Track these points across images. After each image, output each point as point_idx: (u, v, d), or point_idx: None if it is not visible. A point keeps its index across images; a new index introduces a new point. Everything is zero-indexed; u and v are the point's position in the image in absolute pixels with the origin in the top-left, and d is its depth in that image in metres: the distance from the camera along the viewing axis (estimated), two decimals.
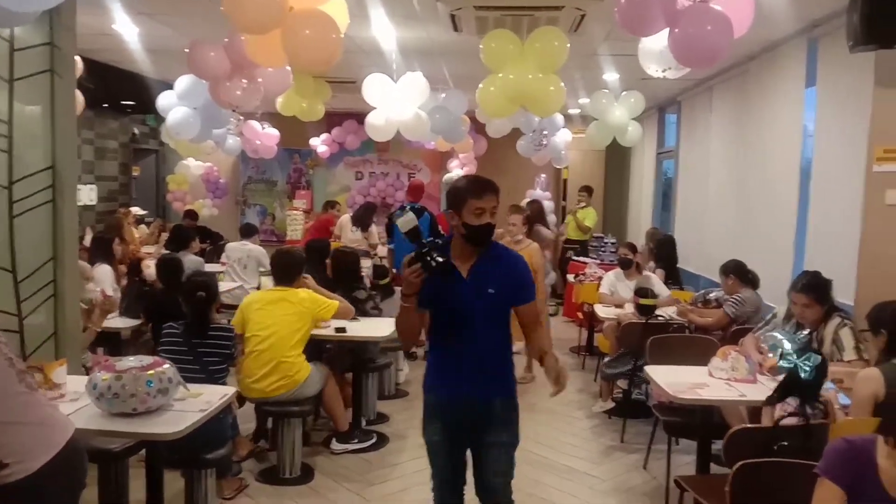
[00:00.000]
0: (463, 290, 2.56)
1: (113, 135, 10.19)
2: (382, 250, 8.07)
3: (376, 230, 8.36)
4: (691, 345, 4.19)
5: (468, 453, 2.73)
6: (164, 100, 6.13)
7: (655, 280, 5.61)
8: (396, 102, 6.03)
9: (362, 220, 8.19)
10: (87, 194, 8.96)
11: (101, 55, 6.94)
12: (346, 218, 8.38)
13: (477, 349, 2.62)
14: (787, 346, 3.58)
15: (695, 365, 3.67)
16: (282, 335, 3.93)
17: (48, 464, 2.01)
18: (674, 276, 5.93)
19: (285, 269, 4.17)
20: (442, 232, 7.35)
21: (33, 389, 2.16)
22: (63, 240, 3.70)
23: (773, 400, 2.88)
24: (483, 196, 2.51)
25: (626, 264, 5.68)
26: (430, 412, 2.74)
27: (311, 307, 4.06)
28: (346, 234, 8.15)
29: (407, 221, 2.47)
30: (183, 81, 5.83)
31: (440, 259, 2.40)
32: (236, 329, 3.91)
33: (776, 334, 3.69)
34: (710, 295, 5.16)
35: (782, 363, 2.95)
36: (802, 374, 2.78)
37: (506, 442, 2.66)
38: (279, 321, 3.95)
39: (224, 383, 3.53)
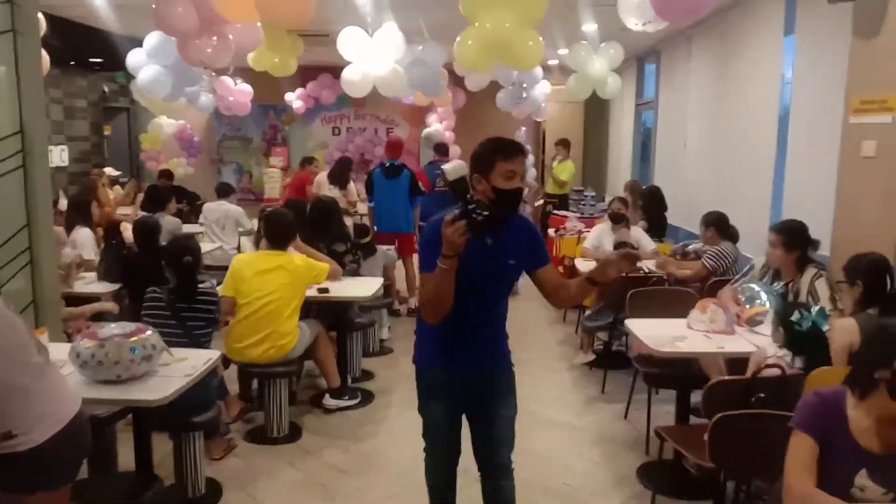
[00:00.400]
0: (486, 259, 2.37)
1: (82, 93, 9.92)
2: (362, 207, 8.01)
3: (354, 187, 8.27)
4: (670, 298, 4.25)
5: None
6: (133, 57, 5.97)
7: (641, 234, 5.63)
8: (372, 57, 5.91)
9: (339, 177, 8.06)
10: (59, 156, 8.78)
11: (65, 11, 6.70)
12: (322, 176, 8.24)
13: (488, 321, 2.51)
14: (764, 297, 3.65)
15: (674, 317, 3.73)
16: (279, 305, 3.90)
17: (53, 437, 2.02)
18: (660, 228, 5.97)
19: (279, 233, 4.09)
20: (423, 189, 7.32)
21: (48, 362, 2.15)
22: (36, 206, 3.63)
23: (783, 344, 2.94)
24: (514, 157, 2.34)
25: (617, 219, 5.60)
26: (431, 390, 2.60)
27: (306, 273, 4.04)
28: (324, 191, 8.05)
29: (455, 170, 2.29)
30: (152, 38, 5.67)
31: (486, 213, 2.16)
32: (226, 293, 3.87)
33: (753, 286, 3.75)
34: (689, 247, 5.22)
35: (795, 315, 2.96)
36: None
37: (511, 414, 2.60)
38: (276, 290, 3.90)
39: (208, 347, 3.53)
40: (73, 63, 9.08)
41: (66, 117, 9.50)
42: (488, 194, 2.33)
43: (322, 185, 8.03)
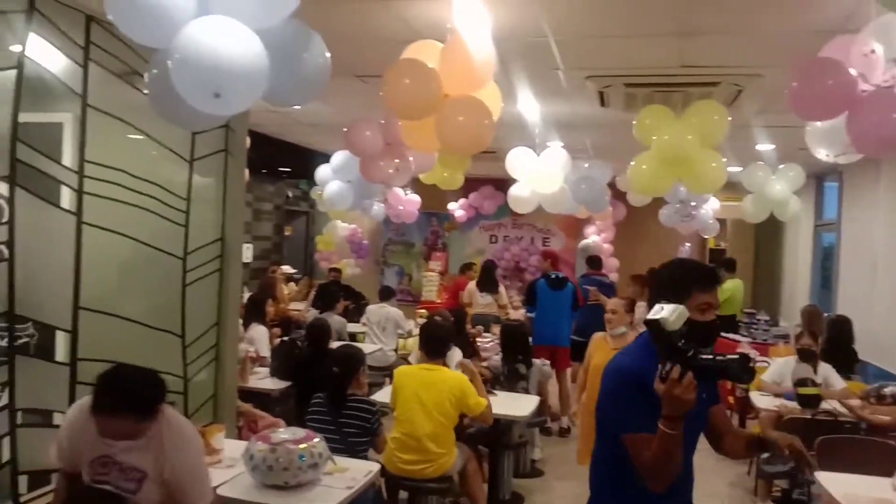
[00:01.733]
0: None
1: (269, 198, 10.95)
2: (515, 314, 7.98)
3: (504, 290, 8.29)
4: (867, 448, 3.76)
5: None
6: (322, 172, 6.54)
7: (830, 371, 5.03)
8: (540, 175, 6.03)
9: (488, 282, 8.12)
10: (244, 253, 9.63)
11: (263, 128, 7.52)
12: (472, 285, 8.30)
13: (684, 472, 2.09)
14: None
15: (872, 473, 3.28)
16: (435, 421, 3.81)
17: None
18: (848, 364, 5.35)
19: (436, 342, 4.07)
20: (579, 303, 7.19)
21: None
22: (227, 306, 3.95)
23: None
24: (711, 289, 2.08)
25: (807, 356, 4.96)
26: None
27: (461, 397, 3.85)
28: (476, 299, 8.11)
29: (680, 316, 1.90)
30: (339, 156, 6.18)
31: (709, 358, 1.84)
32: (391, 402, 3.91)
33: None
34: (886, 389, 4.63)
35: None
36: None
37: None
38: (433, 406, 3.81)
39: (365, 456, 3.55)
40: (264, 171, 10.10)
41: (254, 219, 10.49)
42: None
43: (474, 293, 8.10)
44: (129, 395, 2.31)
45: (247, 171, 5.31)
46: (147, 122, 3.50)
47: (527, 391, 5.05)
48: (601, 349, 4.25)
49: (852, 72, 2.88)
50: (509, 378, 5.07)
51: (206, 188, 3.88)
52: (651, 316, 1.90)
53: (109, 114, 3.30)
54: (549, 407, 6.84)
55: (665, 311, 1.90)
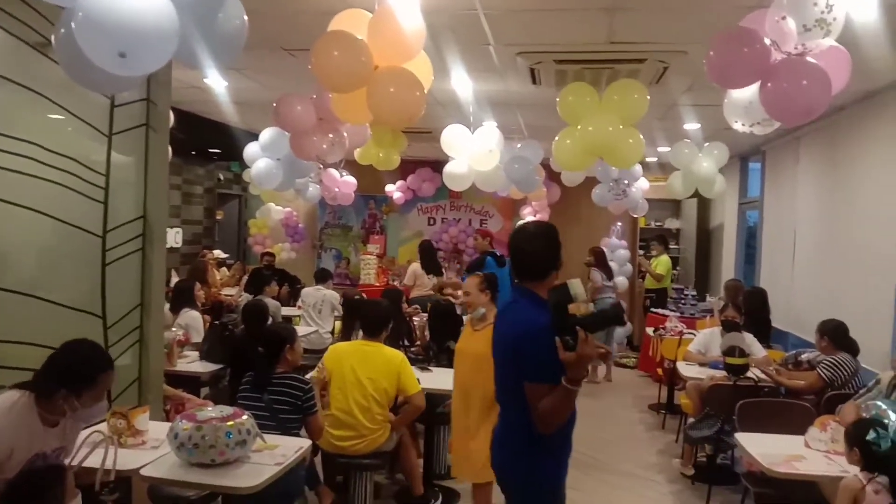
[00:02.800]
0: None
1: (199, 180, 10.64)
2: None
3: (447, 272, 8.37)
4: (784, 410, 3.94)
5: None
6: (250, 150, 6.36)
7: (753, 340, 5.28)
8: (477, 153, 6.04)
9: (430, 263, 8.18)
10: (173, 237, 9.34)
11: (191, 106, 7.28)
12: (416, 266, 8.35)
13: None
14: (893, 416, 3.32)
15: (788, 433, 3.45)
16: (370, 398, 3.84)
17: None
18: (763, 334, 5.60)
19: (375, 322, 4.04)
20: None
21: None
22: (151, 287, 3.83)
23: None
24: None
25: (731, 327, 5.19)
26: (558, 483, 2.44)
27: (398, 373, 3.89)
28: (424, 281, 8.14)
29: (579, 285, 2.19)
30: (267, 133, 6.03)
31: (607, 307, 2.30)
32: (321, 378, 3.85)
33: (880, 403, 3.42)
34: (802, 356, 4.86)
35: (871, 433, 2.74)
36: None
37: None
38: (368, 383, 3.84)
39: (297, 434, 3.51)
40: (193, 152, 9.79)
41: (183, 202, 10.18)
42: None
43: (420, 275, 8.12)
44: None
45: (170, 149, 5.18)
46: (64, 95, 3.36)
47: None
48: (463, 335, 4.03)
49: (766, 41, 2.97)
50: (438, 356, 5.09)
51: (126, 164, 3.75)
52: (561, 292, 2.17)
53: (21, 84, 3.14)
54: None
55: (571, 287, 2.15)
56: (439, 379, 4.46)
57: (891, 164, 4.99)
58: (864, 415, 3.41)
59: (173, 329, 5.02)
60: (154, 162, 3.85)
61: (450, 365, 5.13)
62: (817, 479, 3.20)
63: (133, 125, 3.74)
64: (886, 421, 3.21)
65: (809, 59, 2.98)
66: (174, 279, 6.91)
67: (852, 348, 4.51)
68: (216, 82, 6.04)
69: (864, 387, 3.94)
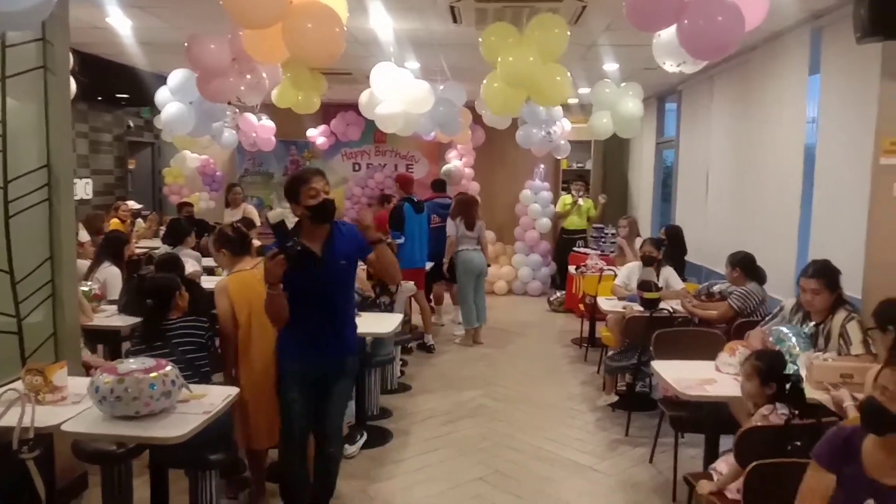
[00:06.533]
0: (321, 267, 3.00)
1: (107, 128, 10.08)
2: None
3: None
4: (697, 339, 4.16)
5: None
6: (162, 94, 6.06)
7: (671, 272, 5.54)
8: (411, 93, 5.96)
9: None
10: (83, 189, 8.89)
11: (94, 48, 6.84)
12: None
13: (334, 316, 3.11)
14: (794, 340, 3.56)
15: (701, 359, 3.65)
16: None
17: None
18: (678, 269, 5.86)
19: (242, 241, 3.84)
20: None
21: None
22: (60, 239, 3.65)
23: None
24: (311, 180, 2.97)
25: (649, 261, 5.44)
26: (290, 377, 3.14)
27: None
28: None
29: (276, 215, 2.85)
30: (177, 76, 5.75)
31: (299, 248, 2.84)
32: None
33: (782, 328, 3.67)
34: (714, 287, 5.12)
35: (790, 367, 2.92)
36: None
37: (348, 393, 3.33)
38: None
39: (207, 372, 3.44)
40: (99, 98, 9.24)
41: (91, 151, 9.65)
42: (306, 214, 2.97)
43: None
44: None
45: (74, 88, 4.87)
46: None
47: (389, 308, 5.13)
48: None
49: None
50: (377, 294, 5.14)
51: (24, 110, 3.51)
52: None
53: None
54: (415, 327, 7.04)
55: (271, 212, 2.90)
56: (370, 323, 4.47)
57: (795, 102, 5.21)
58: (769, 339, 3.64)
59: (88, 283, 4.83)
60: (55, 107, 3.61)
61: (390, 307, 5.22)
62: (727, 401, 3.41)
63: (29, 68, 3.49)
64: (792, 350, 3.44)
65: None
66: (83, 233, 6.59)
67: (761, 277, 4.79)
68: (120, 22, 5.67)
69: (770, 314, 4.20)
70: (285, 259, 2.81)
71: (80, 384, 3.00)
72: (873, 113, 3.93)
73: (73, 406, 2.88)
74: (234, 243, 3.83)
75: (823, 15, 4.74)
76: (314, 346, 3.10)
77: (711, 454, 3.40)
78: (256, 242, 7.00)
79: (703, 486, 2.81)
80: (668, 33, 3.50)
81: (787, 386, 2.81)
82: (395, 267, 3.25)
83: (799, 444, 2.50)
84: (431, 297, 7.75)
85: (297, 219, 3.05)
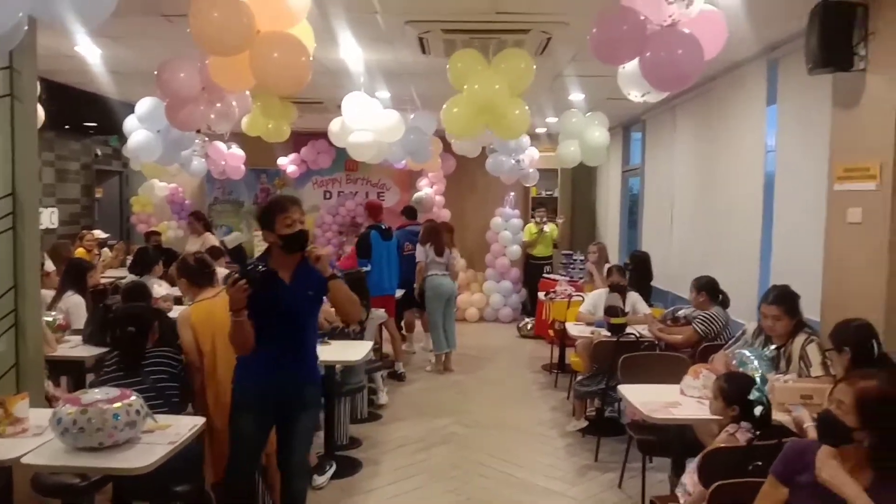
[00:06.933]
0: (287, 295, 2.97)
1: (75, 156, 9.99)
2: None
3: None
4: (662, 362, 4.22)
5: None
6: (130, 123, 6.04)
7: (637, 298, 5.63)
8: (382, 122, 6.03)
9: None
10: (48, 218, 8.74)
11: (62, 76, 6.81)
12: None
13: (296, 344, 3.09)
14: (756, 363, 3.64)
15: (667, 383, 3.70)
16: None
17: None
18: (644, 294, 5.96)
19: (206, 274, 3.84)
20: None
21: None
22: (24, 268, 3.59)
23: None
24: (288, 209, 2.96)
25: (618, 289, 5.56)
26: (243, 403, 3.10)
27: None
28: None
29: (233, 239, 2.86)
30: (144, 104, 5.74)
31: (262, 269, 2.81)
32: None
33: (745, 352, 3.74)
34: (679, 312, 5.21)
35: (754, 393, 2.97)
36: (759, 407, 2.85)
37: (311, 426, 3.22)
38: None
39: (178, 402, 3.39)
40: (67, 127, 9.16)
41: (57, 180, 9.53)
42: (277, 242, 2.96)
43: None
44: None
45: (41, 118, 4.84)
46: None
47: (359, 336, 5.12)
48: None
49: (640, 16, 3.13)
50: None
51: None
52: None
53: None
54: (386, 355, 7.01)
55: (228, 237, 3.07)
56: (339, 351, 4.48)
57: (754, 131, 5.38)
58: (733, 362, 3.72)
59: (52, 314, 4.75)
60: (21, 135, 3.58)
61: (360, 335, 5.20)
62: (691, 423, 3.47)
63: None
64: (754, 374, 3.51)
65: (683, 28, 3.17)
66: (47, 262, 6.49)
67: (724, 302, 4.89)
68: (88, 51, 5.67)
69: (734, 338, 4.28)
70: (248, 283, 2.77)
71: (41, 416, 2.95)
72: (827, 141, 4.09)
73: (35, 438, 2.82)
74: (194, 273, 3.83)
75: (778, 46, 4.93)
76: (274, 369, 3.05)
77: (678, 477, 3.44)
78: (224, 271, 7.00)
79: None
80: (632, 64, 3.62)
81: (756, 410, 2.85)
82: (353, 304, 3.13)
83: (760, 464, 2.54)
84: (402, 324, 7.75)
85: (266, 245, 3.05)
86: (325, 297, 3.15)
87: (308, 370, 3.18)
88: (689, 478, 2.84)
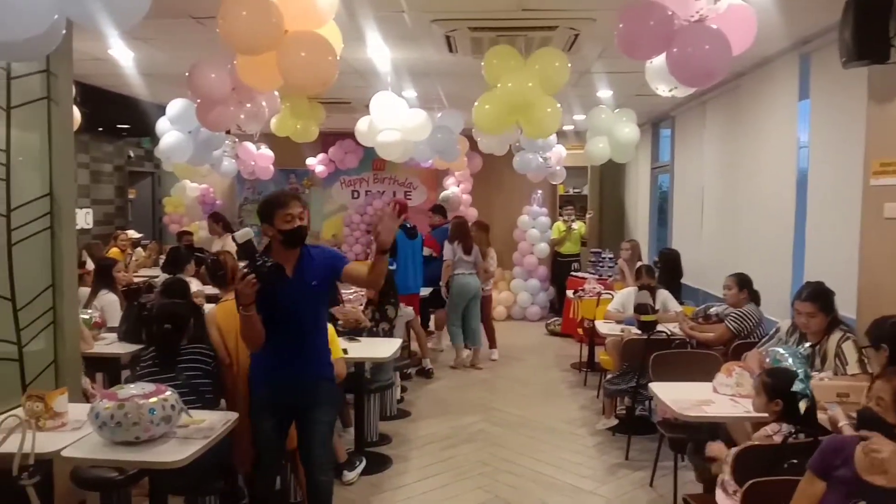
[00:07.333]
0: (290, 289, 2.96)
1: (108, 158, 10.19)
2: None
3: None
4: (694, 360, 4.18)
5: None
6: (162, 124, 6.14)
7: (668, 296, 5.58)
8: (409, 120, 6.05)
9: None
10: (83, 218, 8.94)
11: (96, 79, 6.94)
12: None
13: (303, 340, 3.09)
14: (790, 360, 3.58)
15: (698, 381, 3.67)
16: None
17: None
18: (674, 292, 5.89)
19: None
20: (433, 253, 7.51)
21: None
22: (62, 267, 3.68)
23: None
24: (288, 205, 2.97)
25: (647, 289, 5.47)
26: (259, 404, 3.15)
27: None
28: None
29: (243, 235, 2.97)
30: (176, 105, 5.83)
31: (269, 263, 2.79)
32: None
33: (779, 349, 3.68)
34: (711, 310, 5.14)
35: (797, 384, 2.89)
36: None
37: (329, 421, 3.20)
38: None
39: (212, 398, 3.45)
40: (101, 129, 9.35)
41: (92, 181, 9.73)
42: (277, 237, 2.98)
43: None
44: None
45: (77, 120, 4.95)
46: None
47: (389, 334, 5.15)
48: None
49: (668, 11, 3.10)
50: (379, 322, 5.19)
51: (28, 140, 3.56)
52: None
53: None
54: (414, 353, 7.04)
55: (238, 232, 3.01)
56: (368, 348, 4.51)
57: (785, 127, 5.29)
58: (766, 360, 3.66)
59: (88, 311, 4.86)
60: (58, 137, 3.67)
61: (390, 333, 5.25)
62: (724, 421, 3.43)
63: (33, 98, 3.56)
64: (797, 369, 3.45)
65: (710, 24, 3.13)
66: (89, 262, 6.64)
67: (756, 299, 4.82)
68: (121, 53, 5.77)
69: (767, 335, 4.22)
70: (256, 278, 2.77)
71: (80, 410, 3.02)
72: (862, 135, 4.00)
73: (74, 432, 2.90)
74: (211, 275, 3.97)
75: (810, 41, 4.84)
76: (283, 370, 3.08)
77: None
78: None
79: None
80: (660, 59, 3.59)
81: (801, 404, 2.79)
82: (383, 276, 3.09)
83: (795, 461, 2.51)
84: (431, 322, 7.77)
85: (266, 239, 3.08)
86: (328, 294, 3.24)
87: (317, 367, 3.17)
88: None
